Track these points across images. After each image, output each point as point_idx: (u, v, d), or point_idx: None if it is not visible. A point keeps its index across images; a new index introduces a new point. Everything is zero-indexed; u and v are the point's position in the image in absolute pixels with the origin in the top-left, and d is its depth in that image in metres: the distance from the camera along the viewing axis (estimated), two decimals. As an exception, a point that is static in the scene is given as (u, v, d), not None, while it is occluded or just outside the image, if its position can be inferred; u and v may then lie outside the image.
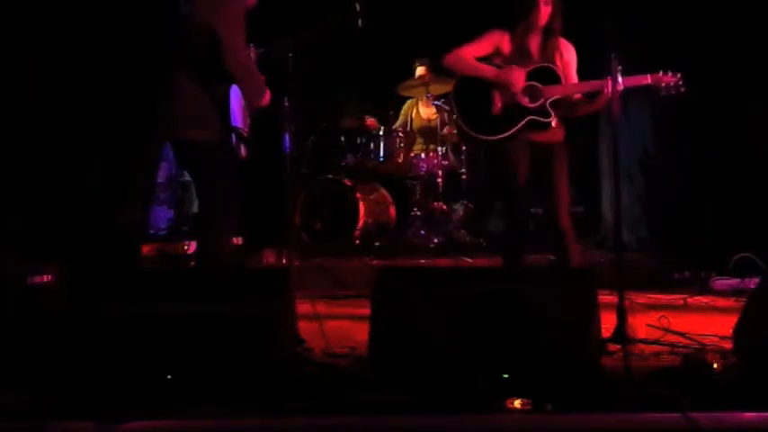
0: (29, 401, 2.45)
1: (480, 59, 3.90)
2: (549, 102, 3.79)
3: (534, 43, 3.88)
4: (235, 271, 3.47)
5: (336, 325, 3.84)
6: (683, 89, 3.64)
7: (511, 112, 3.84)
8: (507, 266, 3.93)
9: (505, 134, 3.83)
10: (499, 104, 3.86)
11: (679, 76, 3.65)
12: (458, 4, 6.63)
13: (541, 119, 3.80)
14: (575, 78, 3.91)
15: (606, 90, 3.57)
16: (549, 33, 3.86)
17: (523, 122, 3.81)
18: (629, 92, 3.67)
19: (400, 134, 6.55)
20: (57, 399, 2.46)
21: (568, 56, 3.92)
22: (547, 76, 3.81)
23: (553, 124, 3.81)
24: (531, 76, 3.82)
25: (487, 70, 3.87)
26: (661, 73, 3.66)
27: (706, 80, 3.60)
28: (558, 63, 3.85)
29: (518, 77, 3.79)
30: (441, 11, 6.83)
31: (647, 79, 3.66)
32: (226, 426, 2.34)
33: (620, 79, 3.52)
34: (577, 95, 3.88)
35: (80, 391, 2.50)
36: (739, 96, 5.47)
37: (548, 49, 3.87)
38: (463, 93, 3.99)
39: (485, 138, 3.89)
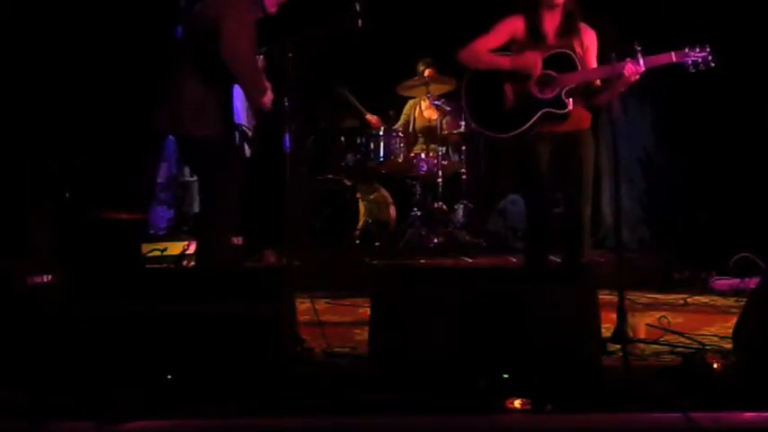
0: (29, 401, 2.45)
1: (496, 51, 3.68)
2: (564, 91, 3.55)
3: (550, 26, 3.62)
4: (235, 271, 3.47)
5: (336, 325, 3.85)
6: (713, 64, 3.41)
7: (524, 105, 3.60)
8: (530, 266, 3.73)
9: (519, 130, 3.59)
10: (511, 97, 3.63)
11: (708, 50, 3.41)
12: (457, 2, 6.62)
13: (556, 110, 3.56)
14: (593, 64, 3.65)
15: (626, 72, 3.38)
16: (567, 17, 3.61)
17: (538, 116, 3.57)
18: (629, 91, 3.57)
19: (400, 134, 6.55)
20: (57, 399, 2.46)
21: (588, 41, 3.66)
22: (563, 62, 3.56)
23: (570, 113, 3.57)
24: (546, 64, 3.57)
25: (502, 60, 3.63)
26: (687, 49, 3.42)
27: (705, 80, 3.54)
28: (578, 49, 3.59)
29: (534, 61, 3.55)
30: (440, 9, 6.82)
31: (671, 57, 3.43)
32: (226, 425, 2.34)
33: (640, 61, 3.37)
34: (598, 81, 3.62)
35: (80, 391, 2.50)
36: (739, 95, 5.46)
37: (565, 34, 3.61)
38: (474, 89, 3.77)
39: (498, 135, 3.68)
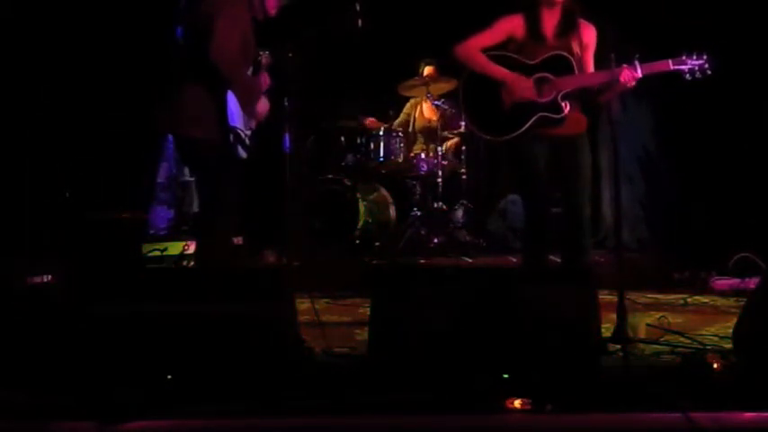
0: (29, 401, 2.46)
1: (493, 49, 3.65)
2: (560, 95, 3.53)
3: (549, 25, 3.60)
4: (235, 271, 3.47)
5: (336, 325, 3.85)
6: (709, 72, 3.41)
7: (520, 108, 3.58)
8: (528, 267, 3.72)
9: (514, 133, 3.58)
10: (508, 100, 3.61)
11: (705, 58, 3.41)
12: (458, 2, 6.62)
13: (552, 115, 3.54)
14: (590, 63, 3.64)
15: (622, 79, 3.38)
16: (567, 16, 3.58)
17: (533, 120, 3.55)
18: (629, 91, 3.56)
19: (400, 134, 6.56)
20: (58, 399, 2.46)
21: (588, 39, 3.63)
22: (560, 65, 3.54)
23: (566, 117, 3.55)
24: (543, 65, 3.56)
25: (497, 71, 3.62)
26: (684, 56, 3.42)
27: (706, 80, 3.54)
28: (576, 49, 3.56)
29: (525, 87, 3.55)
30: (440, 9, 6.82)
31: (668, 65, 3.43)
32: (226, 425, 2.34)
33: (638, 68, 3.38)
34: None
35: (80, 391, 2.50)
36: (739, 95, 5.46)
37: (564, 33, 3.58)
38: (471, 91, 3.75)
39: (494, 138, 3.69)
